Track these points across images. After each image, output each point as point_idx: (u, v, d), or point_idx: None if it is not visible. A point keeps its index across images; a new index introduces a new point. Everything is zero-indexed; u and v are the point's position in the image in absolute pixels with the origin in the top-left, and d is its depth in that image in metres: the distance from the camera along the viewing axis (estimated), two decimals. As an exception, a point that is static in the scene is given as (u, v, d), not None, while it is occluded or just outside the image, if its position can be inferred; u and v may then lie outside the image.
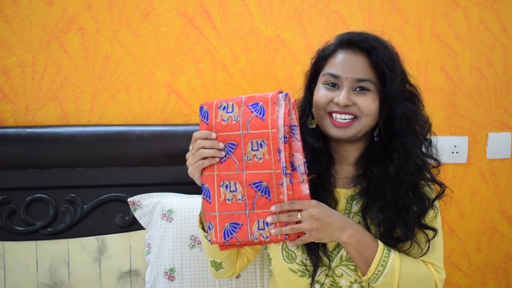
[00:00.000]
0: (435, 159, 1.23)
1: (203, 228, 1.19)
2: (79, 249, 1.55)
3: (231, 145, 1.07)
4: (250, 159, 1.06)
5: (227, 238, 1.09)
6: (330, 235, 1.08)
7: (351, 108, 1.15)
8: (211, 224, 1.10)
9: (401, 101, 1.15)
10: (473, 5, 1.79)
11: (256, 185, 1.06)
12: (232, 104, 1.08)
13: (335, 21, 1.72)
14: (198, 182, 1.12)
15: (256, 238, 1.08)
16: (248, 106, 1.07)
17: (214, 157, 1.07)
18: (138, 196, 1.55)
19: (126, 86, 1.66)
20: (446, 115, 1.82)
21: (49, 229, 1.55)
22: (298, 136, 1.07)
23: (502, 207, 1.91)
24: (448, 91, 1.81)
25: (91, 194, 1.57)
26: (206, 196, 1.10)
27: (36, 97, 1.63)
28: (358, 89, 1.15)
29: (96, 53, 1.63)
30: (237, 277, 1.48)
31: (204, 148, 1.07)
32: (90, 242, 1.56)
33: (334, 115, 1.16)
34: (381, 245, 1.12)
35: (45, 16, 1.60)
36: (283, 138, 1.04)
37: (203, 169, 1.09)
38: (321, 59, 1.21)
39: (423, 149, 1.21)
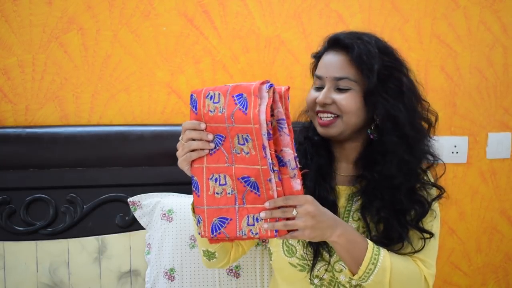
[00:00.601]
0: (432, 155, 1.21)
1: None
2: (79, 249, 1.55)
3: (220, 137, 1.02)
4: (238, 153, 1.01)
5: (214, 233, 1.05)
6: (322, 234, 1.04)
7: (331, 107, 1.16)
8: (200, 218, 1.07)
9: (384, 97, 1.13)
10: (473, 5, 1.79)
11: (245, 180, 1.02)
12: (219, 93, 1.01)
13: (335, 21, 1.72)
14: (188, 173, 1.09)
15: (245, 234, 1.03)
16: (233, 96, 0.99)
17: (203, 149, 1.04)
18: (138, 196, 1.56)
19: (126, 86, 1.66)
20: (446, 115, 1.82)
21: (49, 229, 1.55)
22: (286, 130, 1.00)
23: (502, 207, 1.90)
24: (448, 91, 1.81)
25: (91, 194, 1.57)
26: (195, 189, 1.06)
27: (36, 97, 1.63)
28: (338, 87, 1.16)
29: (96, 53, 1.63)
30: (237, 277, 1.48)
31: (194, 140, 1.04)
32: (90, 242, 1.56)
33: (319, 114, 1.18)
34: (370, 243, 1.10)
35: (45, 16, 1.60)
36: (266, 134, 0.96)
37: (193, 160, 1.05)
38: (315, 62, 1.26)
39: (423, 146, 1.19)
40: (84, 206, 1.57)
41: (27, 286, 1.53)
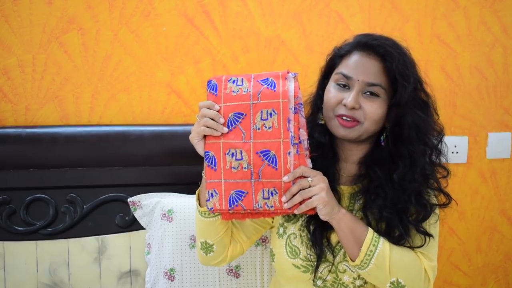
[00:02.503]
0: (445, 168, 1.23)
1: (200, 205, 1.21)
2: (79, 249, 1.55)
3: (238, 115, 1.09)
4: (259, 128, 1.08)
5: (232, 206, 1.10)
6: (332, 206, 1.09)
7: (356, 113, 1.15)
8: (215, 191, 1.10)
9: (412, 109, 1.15)
10: (473, 5, 1.79)
11: (264, 153, 1.08)
12: (242, 78, 1.12)
13: (335, 21, 1.72)
14: (197, 148, 1.14)
15: (261, 207, 1.09)
16: (258, 81, 1.10)
17: (216, 129, 1.09)
18: (138, 196, 1.56)
19: (126, 86, 1.66)
20: (446, 115, 1.81)
21: (49, 229, 1.55)
22: (303, 113, 1.12)
23: (502, 207, 1.91)
24: (448, 91, 1.81)
25: (91, 194, 1.57)
26: (211, 163, 1.11)
27: (36, 97, 1.63)
28: (367, 93, 1.15)
29: (96, 53, 1.63)
30: (237, 277, 1.48)
31: (208, 118, 1.10)
32: (90, 242, 1.56)
33: (342, 117, 1.17)
34: (370, 228, 1.13)
35: (45, 16, 1.60)
36: (293, 108, 1.08)
37: (209, 137, 1.11)
38: (337, 57, 1.22)
39: (433, 157, 1.20)
40: (84, 206, 1.57)
41: (27, 286, 1.53)
